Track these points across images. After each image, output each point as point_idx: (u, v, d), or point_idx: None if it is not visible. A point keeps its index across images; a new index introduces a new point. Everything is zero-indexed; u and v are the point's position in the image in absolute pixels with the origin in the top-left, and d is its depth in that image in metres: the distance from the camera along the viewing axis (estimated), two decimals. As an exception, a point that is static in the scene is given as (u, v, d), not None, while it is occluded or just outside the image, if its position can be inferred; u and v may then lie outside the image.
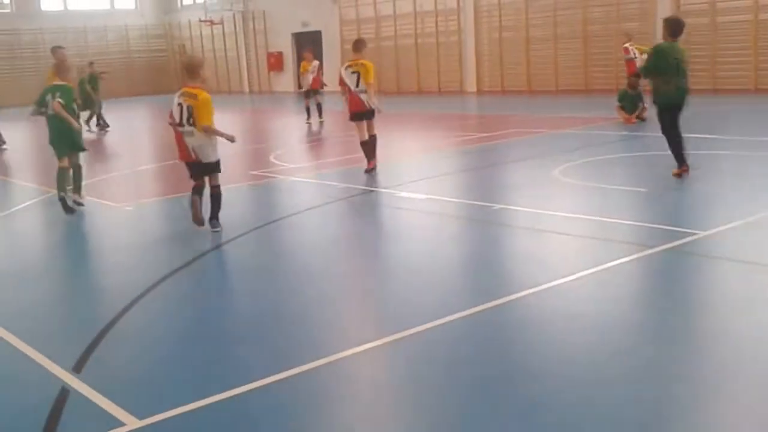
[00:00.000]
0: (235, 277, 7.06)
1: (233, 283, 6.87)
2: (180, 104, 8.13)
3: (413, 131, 18.08)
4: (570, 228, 7.79)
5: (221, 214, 8.42)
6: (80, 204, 10.13)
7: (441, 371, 4.57)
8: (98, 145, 18.11)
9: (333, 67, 32.53)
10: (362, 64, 11.73)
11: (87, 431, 4.12)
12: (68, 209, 9.72)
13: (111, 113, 22.37)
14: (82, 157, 10.52)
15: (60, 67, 10.07)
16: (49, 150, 10.29)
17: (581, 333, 5.00)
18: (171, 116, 8.33)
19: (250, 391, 4.39)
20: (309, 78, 19.94)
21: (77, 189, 10.19)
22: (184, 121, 8.09)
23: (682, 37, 9.89)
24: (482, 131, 16.31)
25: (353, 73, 11.74)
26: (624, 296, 5.83)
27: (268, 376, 4.54)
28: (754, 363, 4.43)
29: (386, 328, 5.23)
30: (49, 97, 9.71)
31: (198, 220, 8.30)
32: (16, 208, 10.59)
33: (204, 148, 8.13)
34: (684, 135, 9.80)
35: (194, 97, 8.04)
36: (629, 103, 15.86)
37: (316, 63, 20.61)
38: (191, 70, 8.33)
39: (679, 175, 9.64)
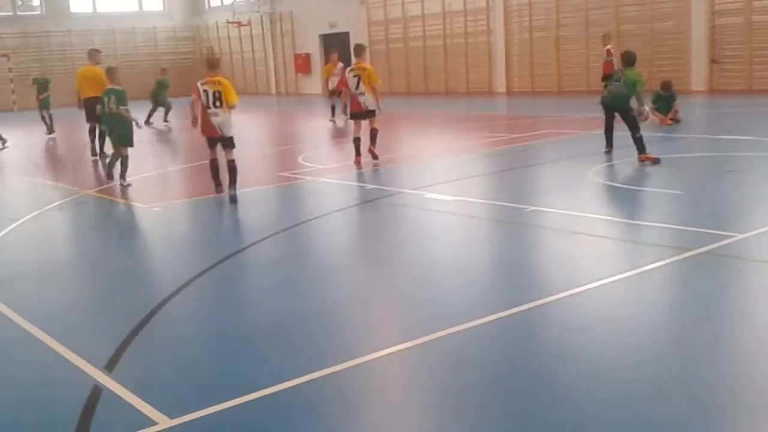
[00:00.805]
0: (264, 278, 7.02)
1: (262, 283, 6.84)
2: (206, 91, 9.97)
3: (441, 133, 18.00)
4: (604, 230, 7.68)
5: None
6: (126, 185, 11.75)
7: (472, 374, 4.50)
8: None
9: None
10: (363, 68, 12.79)
11: (119, 430, 4.10)
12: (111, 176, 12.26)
13: (142, 116, 22.55)
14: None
15: (110, 72, 12.06)
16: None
17: (617, 337, 4.91)
18: (198, 98, 10.07)
19: (281, 391, 4.35)
20: (335, 80, 20.44)
21: (122, 174, 11.85)
22: (211, 104, 9.95)
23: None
24: (512, 132, 16.19)
25: (354, 76, 12.74)
26: (660, 300, 5.72)
27: (299, 376, 4.50)
28: (799, 369, 4.31)
29: (417, 331, 5.17)
30: (106, 99, 11.73)
31: (219, 185, 10.40)
32: (46, 208, 10.66)
33: (226, 124, 10.09)
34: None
35: (219, 83, 10.00)
36: (663, 104, 15.67)
37: (340, 65, 21.20)
38: (213, 63, 10.45)
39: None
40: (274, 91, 38.51)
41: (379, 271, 7.01)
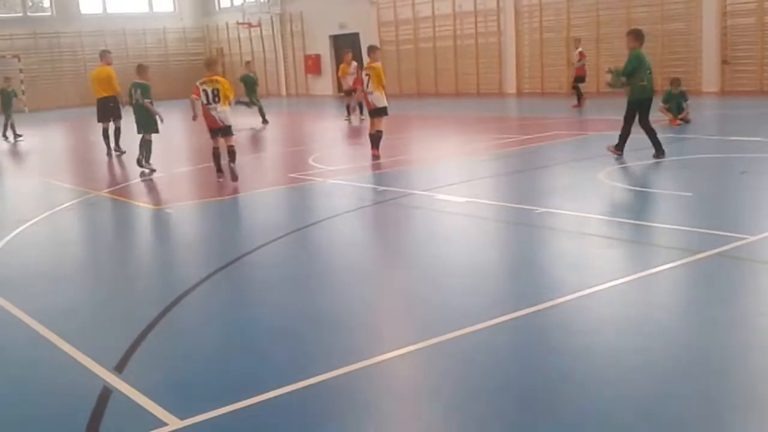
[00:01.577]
0: (273, 279, 7.01)
1: (272, 284, 6.83)
2: (205, 90, 11.49)
3: (452, 134, 17.98)
4: (615, 232, 7.65)
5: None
6: (149, 170, 13.34)
7: (483, 376, 4.48)
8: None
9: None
10: (372, 67, 13.41)
11: (129, 431, 4.10)
12: (140, 165, 13.53)
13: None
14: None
15: (140, 69, 13.79)
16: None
17: (628, 339, 4.88)
18: (198, 96, 11.61)
19: (291, 392, 4.34)
20: (350, 79, 20.70)
21: (147, 158, 13.46)
22: (211, 100, 11.51)
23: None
24: (523, 134, 16.15)
25: (366, 75, 13.54)
26: (671, 302, 5.68)
27: (309, 378, 4.49)
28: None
29: (426, 332, 5.15)
30: (133, 90, 13.50)
31: (219, 170, 11.90)
32: (57, 209, 10.69)
33: (226, 114, 11.66)
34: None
35: (217, 81, 11.55)
36: (674, 103, 15.61)
37: (355, 64, 21.33)
38: (210, 64, 12.18)
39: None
40: (284, 92, 38.56)
41: (390, 272, 7.00)
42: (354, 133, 19.00)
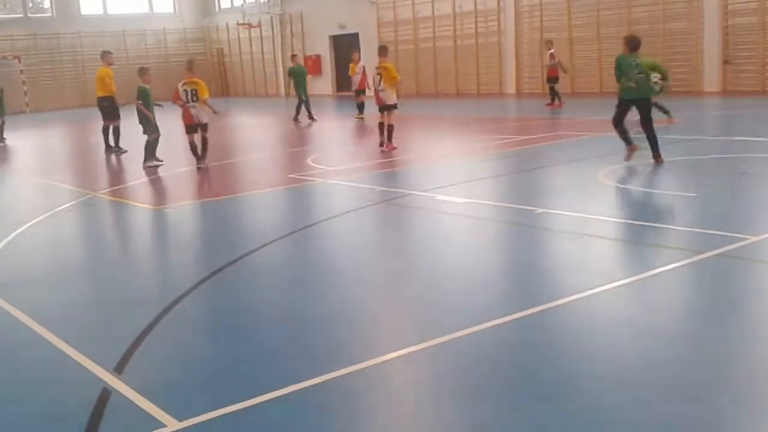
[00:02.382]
0: (273, 280, 7.00)
1: (271, 286, 6.82)
2: (186, 90, 13.27)
3: (451, 134, 17.96)
4: (616, 233, 7.62)
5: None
6: (153, 165, 14.11)
7: (483, 377, 4.46)
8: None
9: (372, 69, 32.56)
10: (384, 66, 14.49)
11: (128, 433, 4.08)
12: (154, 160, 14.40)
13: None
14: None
15: (139, 72, 14.40)
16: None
17: (629, 340, 4.86)
18: (177, 97, 13.37)
19: (291, 393, 4.32)
20: (357, 78, 20.97)
21: (145, 158, 14.29)
22: (189, 99, 13.27)
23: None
24: (523, 134, 16.13)
25: (377, 74, 14.54)
26: (673, 303, 5.66)
27: (309, 378, 4.47)
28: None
29: (426, 333, 5.13)
30: (137, 94, 14.27)
31: (197, 156, 13.46)
32: (57, 210, 10.68)
33: (201, 113, 13.39)
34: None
35: (196, 83, 13.28)
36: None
37: (361, 64, 21.54)
38: (190, 66, 13.79)
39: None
40: (283, 93, 38.52)
41: (390, 273, 6.98)
42: (355, 134, 18.99)
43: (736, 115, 17.59)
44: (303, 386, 4.39)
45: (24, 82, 35.02)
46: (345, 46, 34.77)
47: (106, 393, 4.49)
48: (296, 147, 17.01)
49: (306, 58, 36.35)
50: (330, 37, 35.27)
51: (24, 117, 32.04)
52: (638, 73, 11.13)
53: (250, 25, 37.21)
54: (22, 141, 21.66)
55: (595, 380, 4.33)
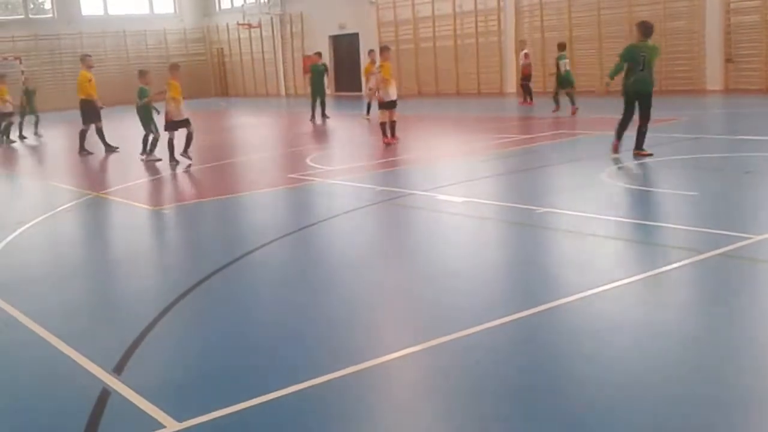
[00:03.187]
0: (273, 280, 6.97)
1: (271, 285, 6.79)
2: (165, 91, 14.24)
3: (452, 133, 17.93)
4: (618, 232, 7.59)
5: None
6: (154, 159, 14.86)
7: (485, 377, 4.43)
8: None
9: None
10: (382, 65, 15.26)
11: (127, 434, 4.06)
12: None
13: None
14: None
15: (140, 74, 15.46)
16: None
17: (631, 340, 4.83)
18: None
19: (290, 394, 4.29)
20: (373, 79, 21.08)
21: (146, 151, 15.17)
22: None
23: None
24: (524, 133, 16.10)
25: (378, 72, 15.52)
26: (675, 302, 5.63)
27: (309, 379, 4.44)
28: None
29: (427, 333, 5.10)
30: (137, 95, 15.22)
31: (174, 159, 13.99)
32: (56, 210, 10.66)
33: (177, 112, 14.05)
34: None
35: (169, 84, 14.08)
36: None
37: (378, 64, 21.41)
38: (174, 69, 14.59)
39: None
40: (284, 93, 38.53)
41: (390, 273, 6.95)
42: (354, 133, 18.96)
43: (739, 114, 17.55)
44: (304, 386, 4.36)
45: (24, 83, 34.96)
46: (345, 46, 34.79)
47: (105, 393, 4.46)
48: (296, 146, 16.98)
49: (306, 58, 36.37)
50: (330, 37, 35.25)
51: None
52: (641, 70, 11.13)
53: (250, 26, 37.22)
54: (22, 141, 21.64)
55: (596, 380, 4.30)
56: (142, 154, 15.24)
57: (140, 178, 13.19)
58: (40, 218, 10.03)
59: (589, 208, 8.52)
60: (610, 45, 24.81)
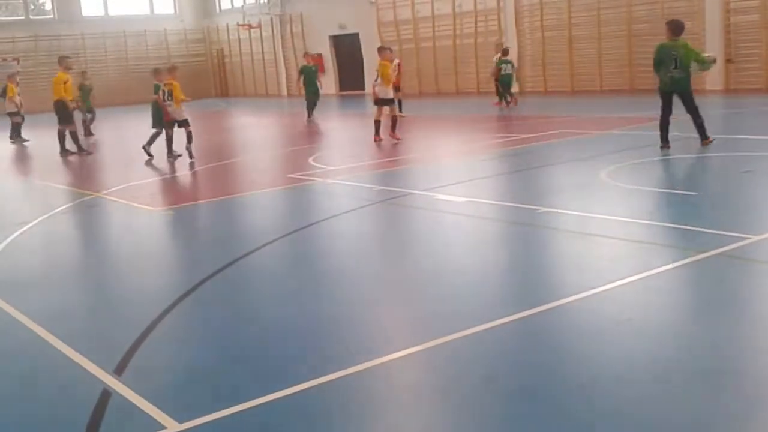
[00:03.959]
0: (273, 280, 6.98)
1: (272, 286, 6.80)
2: (163, 90, 14.89)
3: (452, 133, 17.93)
4: (618, 232, 7.59)
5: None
6: (171, 158, 15.19)
7: (485, 379, 4.43)
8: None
9: (373, 68, 32.54)
10: (382, 64, 15.90)
11: (128, 435, 4.06)
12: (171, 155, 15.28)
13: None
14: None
15: (153, 72, 15.79)
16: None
17: (631, 340, 4.83)
18: (159, 98, 15.10)
19: (291, 395, 4.30)
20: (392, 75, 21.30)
21: (147, 144, 15.53)
22: (167, 99, 14.86)
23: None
24: (524, 133, 16.09)
25: (376, 70, 16.23)
26: (674, 302, 5.63)
27: (309, 380, 4.44)
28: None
29: (428, 333, 5.10)
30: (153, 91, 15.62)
31: (171, 154, 14.94)
32: (57, 210, 10.66)
33: (179, 111, 14.92)
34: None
35: (171, 85, 14.81)
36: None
37: (396, 62, 21.07)
38: (172, 70, 15.41)
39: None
40: (285, 93, 38.52)
41: (390, 273, 6.95)
42: (355, 133, 18.95)
43: (739, 114, 17.55)
44: (304, 387, 4.37)
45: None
46: (346, 46, 34.79)
47: (106, 395, 4.46)
48: (297, 146, 16.98)
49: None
50: (330, 37, 35.25)
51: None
52: (675, 67, 11.32)
53: (250, 26, 37.21)
54: (22, 142, 21.63)
55: (597, 380, 4.30)
56: (169, 156, 15.16)
57: (140, 179, 13.19)
58: (41, 219, 10.04)
59: (589, 208, 8.52)
60: (610, 45, 24.85)
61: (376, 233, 8.65)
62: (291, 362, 4.82)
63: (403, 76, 21.92)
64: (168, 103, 14.82)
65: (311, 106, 22.16)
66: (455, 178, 11.18)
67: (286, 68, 38.29)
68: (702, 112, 11.86)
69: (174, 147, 15.08)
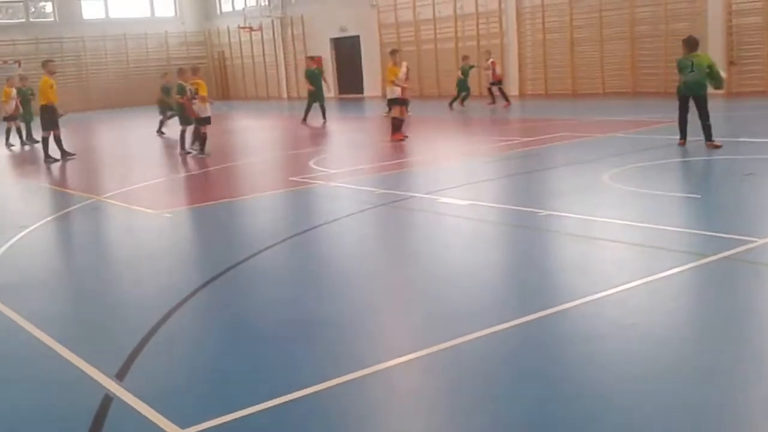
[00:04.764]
0: (275, 284, 6.95)
1: (273, 290, 6.77)
2: (189, 89, 15.85)
3: (454, 136, 17.91)
4: (621, 235, 7.56)
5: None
6: (187, 153, 16.32)
7: (488, 383, 4.41)
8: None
9: (373, 71, 32.63)
10: (388, 67, 16.97)
11: (130, 441, 4.04)
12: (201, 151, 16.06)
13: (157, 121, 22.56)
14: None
15: (179, 72, 16.69)
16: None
17: (634, 345, 4.80)
18: (185, 99, 16.07)
19: (294, 400, 4.27)
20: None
21: (183, 145, 16.60)
22: (191, 96, 15.76)
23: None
24: (526, 136, 16.06)
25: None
26: (679, 306, 5.60)
27: (312, 385, 4.42)
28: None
29: (430, 338, 5.08)
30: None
31: (183, 148, 16.31)
32: (58, 214, 10.64)
33: (202, 109, 15.69)
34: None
35: (198, 84, 15.76)
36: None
37: (405, 64, 21.06)
38: (196, 70, 16.58)
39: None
40: (285, 96, 38.49)
41: (392, 277, 6.93)
42: (356, 135, 18.93)
43: (742, 116, 17.51)
44: (308, 392, 4.34)
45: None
46: (346, 49, 34.77)
47: (107, 400, 4.44)
48: (297, 149, 16.96)
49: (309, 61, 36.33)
50: (331, 39, 35.23)
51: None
52: (690, 71, 12.43)
53: (251, 29, 37.17)
54: (18, 144, 21.61)
55: (600, 384, 4.28)
56: (192, 147, 16.22)
57: (141, 182, 13.17)
58: (42, 222, 10.01)
59: (592, 211, 8.49)
60: (612, 47, 24.79)
61: (378, 236, 8.62)
62: (293, 367, 4.80)
63: (410, 81, 21.91)
64: (194, 101, 15.70)
65: (323, 110, 22.14)
66: (457, 181, 11.15)
67: (287, 71, 38.26)
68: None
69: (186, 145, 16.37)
